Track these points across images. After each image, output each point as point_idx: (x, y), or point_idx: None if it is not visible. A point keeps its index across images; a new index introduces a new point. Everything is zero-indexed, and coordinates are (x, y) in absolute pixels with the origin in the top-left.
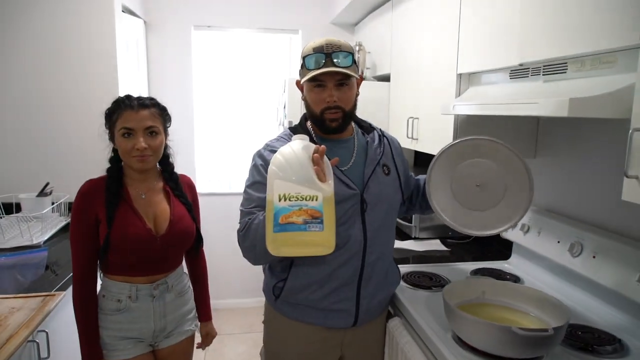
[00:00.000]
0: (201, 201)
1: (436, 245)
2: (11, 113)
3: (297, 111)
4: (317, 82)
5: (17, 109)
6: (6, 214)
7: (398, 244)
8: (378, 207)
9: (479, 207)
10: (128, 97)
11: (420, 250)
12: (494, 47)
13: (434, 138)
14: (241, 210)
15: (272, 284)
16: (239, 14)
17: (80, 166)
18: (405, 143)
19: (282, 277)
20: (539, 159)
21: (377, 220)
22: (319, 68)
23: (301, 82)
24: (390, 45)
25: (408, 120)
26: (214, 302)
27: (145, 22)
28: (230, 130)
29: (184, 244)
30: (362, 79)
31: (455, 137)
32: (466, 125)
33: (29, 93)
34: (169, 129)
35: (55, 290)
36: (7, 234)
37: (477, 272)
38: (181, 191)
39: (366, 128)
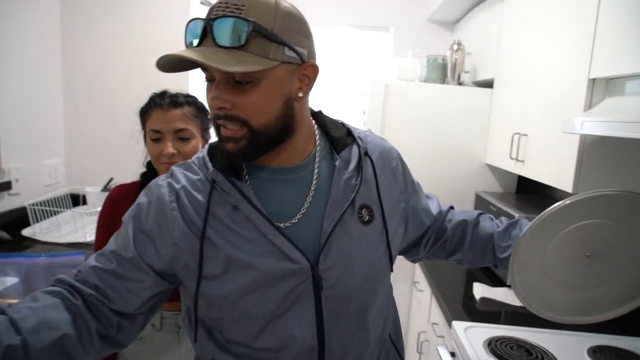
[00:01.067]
0: None
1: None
2: (81, 105)
3: (378, 118)
4: (205, 73)
5: (86, 102)
6: (74, 205)
7: (485, 291)
8: (346, 282)
9: (582, 285)
10: (162, 93)
11: (517, 305)
12: None
13: (547, 162)
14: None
15: None
16: (327, 10)
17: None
18: (506, 164)
19: None
20: None
21: (345, 304)
22: (192, 46)
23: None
24: (497, 44)
25: (513, 137)
26: None
27: None
28: None
29: None
30: (312, 66)
31: (580, 164)
32: (597, 149)
33: (99, 87)
34: (210, 131)
35: None
36: (64, 229)
37: (598, 352)
38: None
39: (339, 140)
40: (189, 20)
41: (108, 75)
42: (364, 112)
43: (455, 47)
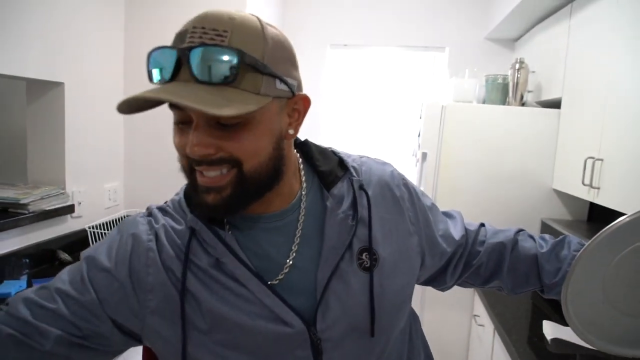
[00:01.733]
0: None
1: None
2: (140, 128)
3: (435, 141)
4: (175, 113)
5: (145, 124)
6: None
7: (557, 331)
8: (351, 340)
9: None
10: None
11: (594, 347)
12: None
13: (628, 190)
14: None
15: None
16: (378, 31)
17: None
18: (579, 192)
19: None
20: None
21: None
22: (162, 82)
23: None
24: (564, 61)
25: (586, 162)
26: None
27: None
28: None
29: None
30: (304, 98)
31: None
32: None
33: (157, 112)
34: None
35: None
36: None
37: None
38: None
39: (328, 174)
40: (152, 49)
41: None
42: (419, 135)
43: (517, 65)
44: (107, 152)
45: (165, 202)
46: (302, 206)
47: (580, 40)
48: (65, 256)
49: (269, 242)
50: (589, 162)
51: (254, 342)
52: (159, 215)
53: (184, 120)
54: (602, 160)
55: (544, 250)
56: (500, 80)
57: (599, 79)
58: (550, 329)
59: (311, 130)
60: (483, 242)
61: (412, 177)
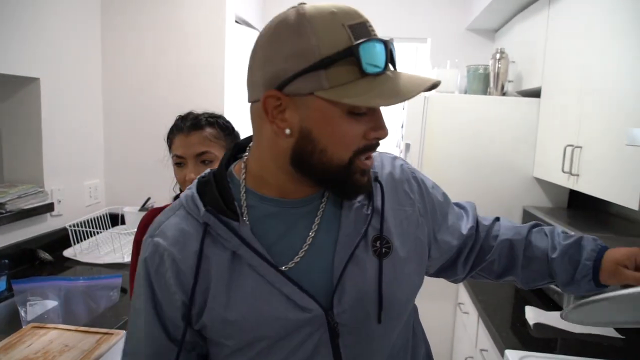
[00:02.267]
0: None
1: (603, 327)
2: (120, 124)
3: (418, 132)
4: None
5: (125, 121)
6: (112, 225)
7: (539, 316)
8: (366, 325)
9: None
10: (184, 116)
11: (576, 331)
12: None
13: (606, 177)
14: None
15: None
16: None
17: None
18: (559, 179)
19: None
20: None
21: (367, 348)
22: (382, 73)
23: (324, 94)
24: (544, 51)
25: (565, 149)
26: None
27: None
28: None
29: None
30: None
31: None
32: None
33: (138, 109)
34: None
35: (120, 325)
36: (103, 249)
37: None
38: None
39: None
40: (364, 40)
41: (146, 97)
42: (402, 126)
43: (497, 55)
44: (86, 149)
45: (181, 198)
46: (325, 195)
47: (558, 31)
48: (45, 255)
49: (290, 227)
50: (569, 149)
51: (274, 329)
52: (165, 228)
53: (361, 112)
54: (580, 147)
55: (556, 254)
56: (481, 71)
57: (576, 69)
58: (533, 314)
59: None
60: (496, 237)
61: None
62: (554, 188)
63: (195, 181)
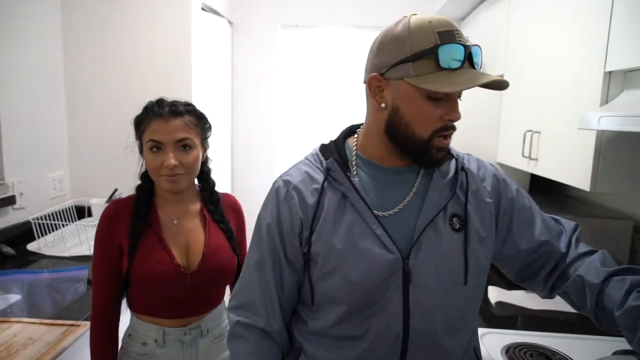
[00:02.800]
0: None
1: (559, 302)
2: (85, 115)
3: None
4: (440, 92)
5: (90, 111)
6: (79, 217)
7: (501, 295)
8: (433, 281)
9: None
10: (159, 102)
11: (535, 308)
12: None
13: (562, 160)
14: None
15: None
16: (329, 11)
17: None
18: (520, 163)
19: None
20: None
21: (432, 300)
22: (459, 69)
23: (412, 80)
24: (506, 40)
25: (525, 135)
26: None
27: (230, 22)
28: (315, 138)
29: (221, 281)
30: None
31: (597, 161)
32: (615, 145)
33: (102, 98)
34: (208, 140)
35: (86, 317)
36: (69, 242)
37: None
38: (222, 215)
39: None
40: (444, 42)
41: (112, 87)
42: None
43: None
44: (49, 140)
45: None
46: (421, 170)
47: (519, 19)
48: (7, 250)
49: (387, 189)
50: (528, 135)
51: (363, 260)
52: (292, 176)
53: (438, 97)
54: (539, 132)
55: (620, 312)
56: None
57: (535, 56)
58: (495, 294)
59: (266, 111)
60: (576, 269)
61: None
62: (516, 173)
63: (319, 145)
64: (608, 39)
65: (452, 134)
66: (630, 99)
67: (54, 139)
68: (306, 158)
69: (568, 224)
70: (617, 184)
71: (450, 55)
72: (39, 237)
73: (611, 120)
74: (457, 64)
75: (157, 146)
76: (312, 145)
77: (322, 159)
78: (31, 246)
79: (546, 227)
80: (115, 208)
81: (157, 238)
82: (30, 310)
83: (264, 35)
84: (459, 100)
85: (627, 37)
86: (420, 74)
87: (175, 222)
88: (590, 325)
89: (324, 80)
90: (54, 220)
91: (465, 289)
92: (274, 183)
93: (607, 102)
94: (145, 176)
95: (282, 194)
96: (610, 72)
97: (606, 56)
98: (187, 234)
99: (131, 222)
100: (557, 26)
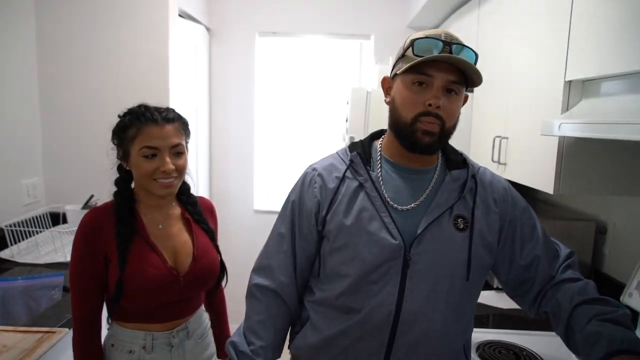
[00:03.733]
0: (259, 219)
1: None
2: (60, 120)
3: (360, 126)
4: (421, 75)
5: (65, 117)
6: (53, 224)
7: None
8: (431, 269)
9: None
10: (147, 108)
11: (504, 307)
12: (627, 41)
13: (528, 165)
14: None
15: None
16: (306, 19)
17: None
18: (490, 168)
19: (295, 330)
20: None
21: (426, 288)
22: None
23: (399, 71)
24: (476, 49)
25: (494, 140)
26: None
27: (208, 28)
28: (293, 143)
29: (209, 281)
30: (466, 97)
31: (559, 166)
32: (575, 150)
33: (77, 103)
34: (188, 144)
35: (62, 324)
36: (43, 249)
37: None
38: (201, 216)
39: (455, 162)
40: (418, 38)
41: (87, 93)
42: (347, 120)
43: None
44: (22, 146)
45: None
46: (436, 173)
47: (487, 30)
48: None
49: (404, 187)
50: (497, 140)
51: (370, 241)
52: (323, 166)
53: (421, 82)
54: (507, 138)
55: (578, 336)
56: None
57: (502, 66)
58: None
59: (244, 117)
60: (555, 292)
61: None
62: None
63: (349, 143)
64: (567, 50)
65: (435, 121)
66: (589, 107)
67: (27, 146)
68: (336, 152)
69: (564, 250)
70: (578, 186)
71: (425, 46)
72: (12, 245)
73: (570, 127)
74: (432, 53)
75: (153, 152)
76: (290, 150)
77: (349, 153)
78: (4, 254)
79: (545, 249)
80: (96, 215)
81: (146, 243)
82: (5, 318)
83: (241, 41)
84: (469, 94)
85: (584, 49)
86: (405, 65)
87: (160, 227)
88: None
89: (302, 86)
90: (28, 227)
91: (464, 283)
92: (304, 172)
93: (567, 109)
94: (120, 182)
95: (308, 179)
96: (570, 82)
97: (566, 66)
98: (174, 238)
99: (116, 230)
100: (522, 37)
